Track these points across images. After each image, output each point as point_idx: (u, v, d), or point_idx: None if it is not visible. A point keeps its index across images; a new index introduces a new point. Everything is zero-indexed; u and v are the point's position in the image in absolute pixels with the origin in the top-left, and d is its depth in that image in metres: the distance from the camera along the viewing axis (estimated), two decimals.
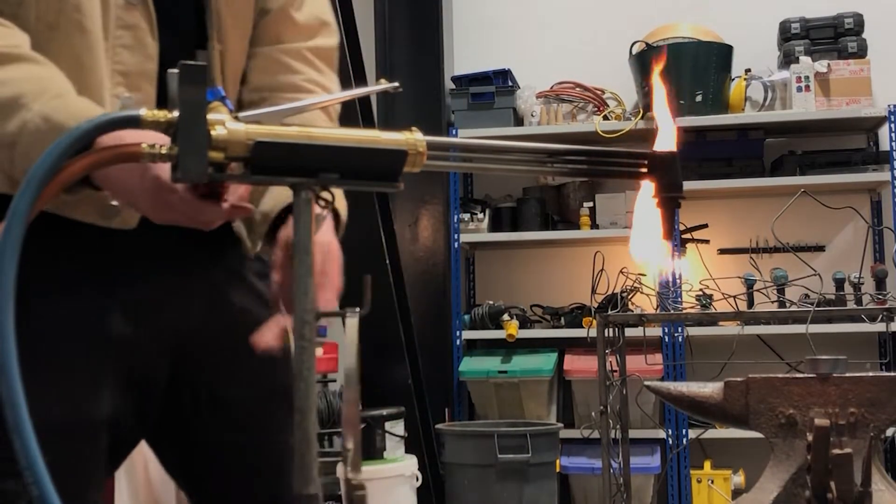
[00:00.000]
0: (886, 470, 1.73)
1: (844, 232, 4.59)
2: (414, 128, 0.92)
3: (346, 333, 0.85)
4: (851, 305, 3.62)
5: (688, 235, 4.40)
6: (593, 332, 2.43)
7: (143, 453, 1.39)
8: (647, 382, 1.76)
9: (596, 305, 2.70)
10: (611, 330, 2.47)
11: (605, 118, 4.58)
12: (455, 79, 4.83)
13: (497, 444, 3.65)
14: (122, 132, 0.88)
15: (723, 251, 4.58)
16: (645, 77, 4.56)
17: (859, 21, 4.52)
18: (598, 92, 4.69)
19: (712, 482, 4.20)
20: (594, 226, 4.58)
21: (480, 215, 4.72)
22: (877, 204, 4.57)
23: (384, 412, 3.76)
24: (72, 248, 1.19)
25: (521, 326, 4.54)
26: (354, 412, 0.85)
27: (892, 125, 4.30)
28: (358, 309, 0.86)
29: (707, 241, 4.46)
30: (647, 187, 1.00)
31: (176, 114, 0.85)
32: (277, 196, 1.22)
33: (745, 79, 4.56)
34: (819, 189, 3.87)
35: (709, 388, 1.59)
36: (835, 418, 1.46)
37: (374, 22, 4.77)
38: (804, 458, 1.43)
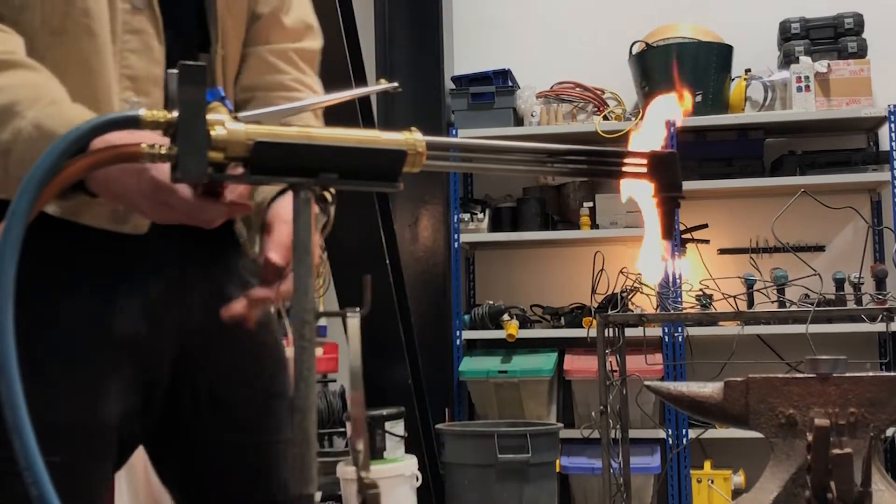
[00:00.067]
0: (886, 470, 1.73)
1: (844, 232, 4.59)
2: (414, 128, 0.92)
3: (349, 334, 0.85)
4: (851, 305, 3.62)
5: (688, 235, 4.40)
6: (593, 332, 2.43)
7: (143, 454, 1.40)
8: (647, 382, 1.76)
9: (596, 305, 2.70)
10: (611, 330, 2.47)
11: (605, 118, 4.58)
12: (455, 79, 4.83)
13: (497, 444, 3.65)
14: (112, 135, 0.88)
15: (723, 251, 4.58)
16: (645, 77, 4.56)
17: (859, 21, 4.52)
18: (598, 92, 4.69)
19: (712, 482, 4.20)
20: (594, 226, 4.58)
21: (480, 215, 4.72)
22: (877, 204, 4.57)
23: (384, 412, 3.76)
24: (85, 251, 1.20)
25: (521, 326, 4.54)
26: (361, 413, 0.85)
27: (892, 125, 4.30)
28: (358, 309, 0.86)
29: (707, 241, 4.46)
30: (633, 188, 1.00)
31: (175, 114, 0.85)
32: (268, 187, 1.22)
33: (745, 79, 4.56)
34: (819, 189, 3.87)
35: (709, 388, 1.59)
36: (835, 418, 1.46)
37: (374, 22, 4.77)
38: (804, 458, 1.43)
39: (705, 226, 4.49)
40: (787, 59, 4.50)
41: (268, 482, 1.34)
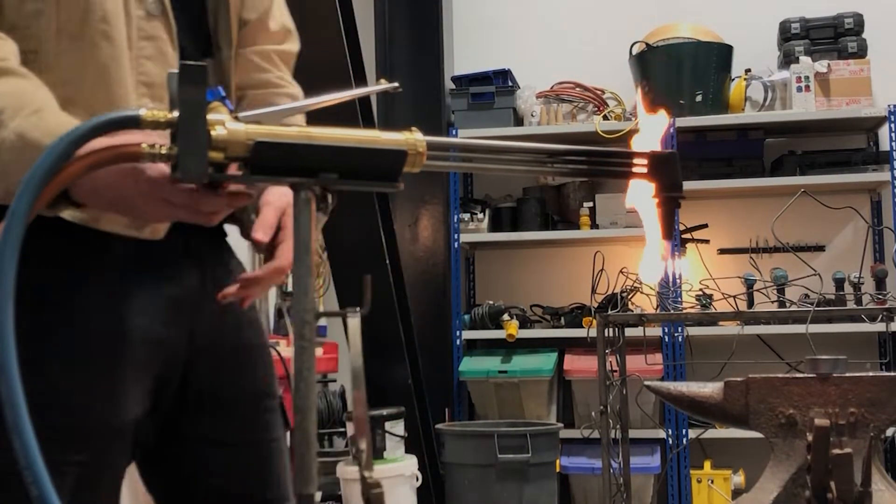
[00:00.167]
0: (886, 470, 1.73)
1: (844, 232, 4.59)
2: (414, 128, 0.92)
3: (350, 334, 0.85)
4: (851, 305, 3.62)
5: (688, 235, 4.40)
6: (593, 332, 2.43)
7: None
8: (647, 382, 1.76)
9: (596, 305, 2.70)
10: (611, 330, 2.47)
11: (605, 118, 4.58)
12: (455, 79, 4.83)
13: (497, 444, 3.65)
14: (96, 140, 0.87)
15: (723, 251, 4.58)
16: (645, 77, 4.56)
17: (859, 21, 4.52)
18: (598, 92, 4.69)
19: (712, 482, 4.20)
20: (594, 226, 4.58)
21: (480, 215, 4.72)
22: (877, 204, 4.57)
23: (384, 412, 3.76)
24: (107, 256, 1.21)
25: (521, 326, 4.54)
26: (363, 413, 0.85)
27: (892, 125, 4.30)
28: (358, 309, 0.86)
29: (707, 241, 4.45)
30: (637, 189, 1.00)
31: (176, 114, 0.85)
32: None
33: (745, 79, 4.56)
34: (819, 189, 3.87)
35: (709, 388, 1.59)
36: (835, 418, 1.46)
37: (374, 22, 4.77)
38: (804, 458, 1.43)
39: (705, 226, 4.49)
40: (787, 59, 4.50)
41: (262, 480, 1.37)
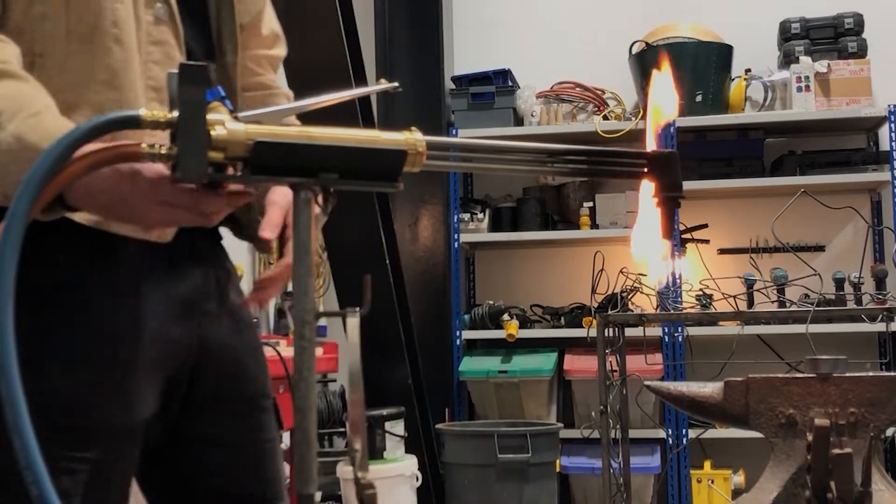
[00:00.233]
0: (886, 470, 1.73)
1: (844, 232, 4.59)
2: (414, 128, 0.92)
3: (348, 334, 0.85)
4: (851, 305, 3.62)
5: (688, 235, 4.40)
6: (593, 332, 2.42)
7: None
8: (647, 382, 1.76)
9: (596, 305, 2.70)
10: (611, 330, 2.47)
11: (605, 118, 4.58)
12: (455, 79, 4.83)
13: (497, 444, 3.65)
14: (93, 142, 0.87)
15: (723, 251, 4.58)
16: (645, 77, 4.56)
17: (859, 21, 4.52)
18: (598, 92, 4.69)
19: (712, 482, 4.20)
20: (594, 226, 4.58)
21: (480, 215, 4.72)
22: (877, 204, 4.57)
23: (384, 412, 3.76)
24: (121, 258, 1.22)
25: (521, 326, 4.54)
26: (360, 413, 0.85)
27: (892, 125, 4.30)
28: (358, 309, 0.85)
29: (707, 241, 4.45)
30: (647, 187, 1.00)
31: (176, 114, 0.85)
32: None
33: (745, 79, 4.56)
34: (819, 189, 3.87)
35: (709, 388, 1.59)
36: (835, 418, 1.46)
37: (374, 22, 4.77)
38: (804, 458, 1.43)
39: (705, 226, 4.49)
40: (787, 59, 4.50)
41: (260, 480, 1.38)
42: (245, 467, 1.37)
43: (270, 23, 1.52)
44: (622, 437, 2.55)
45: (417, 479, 3.77)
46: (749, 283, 3.07)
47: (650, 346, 3.68)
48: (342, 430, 4.38)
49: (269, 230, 1.21)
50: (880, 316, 2.43)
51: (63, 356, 1.16)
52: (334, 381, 4.50)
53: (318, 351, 3.70)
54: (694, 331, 4.27)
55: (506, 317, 4.54)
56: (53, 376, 1.15)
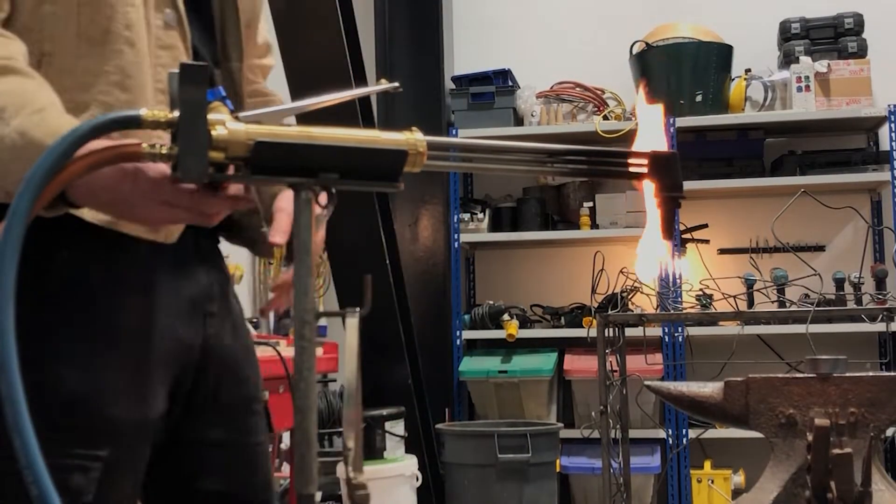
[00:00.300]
0: (886, 470, 1.73)
1: (844, 232, 4.59)
2: (414, 128, 0.92)
3: (347, 334, 0.85)
4: (851, 305, 3.62)
5: (688, 235, 4.40)
6: (593, 332, 2.43)
7: None
8: (647, 382, 1.76)
9: (596, 305, 2.70)
10: (611, 330, 2.47)
11: (605, 118, 4.58)
12: (455, 79, 4.83)
13: (497, 444, 3.65)
14: (95, 141, 0.87)
15: (723, 251, 4.58)
16: (645, 77, 4.56)
17: (859, 21, 4.52)
18: (598, 92, 4.69)
19: (712, 482, 4.20)
20: (594, 226, 4.58)
21: (480, 215, 4.72)
22: (877, 204, 4.57)
23: (384, 412, 3.76)
24: (130, 257, 1.23)
25: (521, 326, 4.54)
26: (355, 412, 0.85)
27: (892, 125, 4.30)
28: (358, 309, 0.86)
29: (707, 241, 4.46)
30: (648, 187, 1.00)
31: (176, 114, 0.85)
32: None
33: (745, 79, 4.56)
34: (819, 189, 3.87)
35: (709, 388, 1.59)
36: (835, 418, 1.46)
37: (374, 22, 4.77)
38: (804, 458, 1.43)
39: (705, 226, 4.49)
40: (787, 59, 4.50)
41: (256, 482, 1.39)
42: (242, 469, 1.37)
43: (263, 32, 1.56)
44: (622, 437, 2.56)
45: (417, 479, 3.77)
46: (749, 283, 3.07)
47: (650, 346, 3.68)
48: (342, 429, 4.38)
49: (278, 236, 1.22)
50: (880, 316, 2.43)
51: (77, 354, 1.17)
52: (334, 381, 4.50)
53: (319, 351, 3.70)
54: (694, 331, 4.27)
55: (506, 317, 4.54)
56: (67, 373, 1.15)
